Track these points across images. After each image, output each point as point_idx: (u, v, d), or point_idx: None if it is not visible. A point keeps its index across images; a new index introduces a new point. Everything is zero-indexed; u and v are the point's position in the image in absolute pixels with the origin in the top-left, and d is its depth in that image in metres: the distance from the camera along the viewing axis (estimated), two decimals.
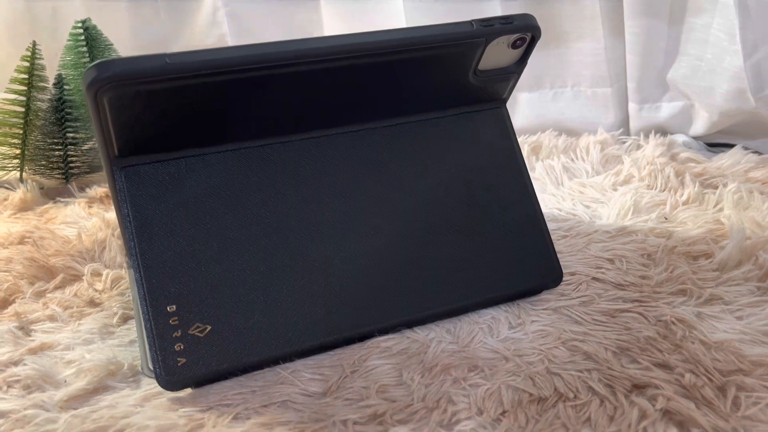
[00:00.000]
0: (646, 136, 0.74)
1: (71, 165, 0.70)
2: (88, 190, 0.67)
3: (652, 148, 0.69)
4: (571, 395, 0.34)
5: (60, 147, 0.69)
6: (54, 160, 0.70)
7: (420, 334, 0.40)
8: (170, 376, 0.35)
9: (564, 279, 0.45)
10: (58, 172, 0.70)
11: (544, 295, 0.44)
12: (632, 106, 0.76)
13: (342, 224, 0.40)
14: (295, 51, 0.35)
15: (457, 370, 0.36)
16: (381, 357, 0.38)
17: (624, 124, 0.78)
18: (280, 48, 0.34)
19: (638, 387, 0.34)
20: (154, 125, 0.37)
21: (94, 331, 0.41)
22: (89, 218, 0.59)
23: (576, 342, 0.39)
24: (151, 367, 0.36)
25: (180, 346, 0.36)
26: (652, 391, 0.34)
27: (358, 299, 0.39)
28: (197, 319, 0.36)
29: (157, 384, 0.35)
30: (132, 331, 0.42)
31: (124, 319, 0.43)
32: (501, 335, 0.40)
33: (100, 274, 0.49)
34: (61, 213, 0.62)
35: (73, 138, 0.69)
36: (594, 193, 0.62)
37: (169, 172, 0.38)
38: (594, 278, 0.46)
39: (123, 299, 0.46)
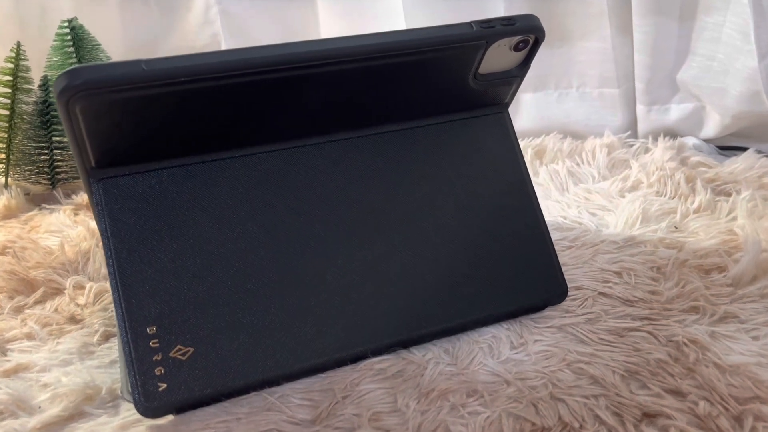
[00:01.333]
0: (655, 139, 0.72)
1: (58, 170, 0.69)
2: (74, 196, 0.65)
3: (661, 151, 0.67)
4: (577, 425, 0.32)
5: (46, 151, 0.67)
6: (40, 164, 0.68)
7: (416, 354, 0.38)
8: (150, 403, 0.33)
9: (569, 294, 0.43)
10: (45, 178, 0.68)
11: (548, 312, 0.42)
12: (640, 108, 0.74)
13: (333, 238, 0.38)
14: (279, 56, 0.33)
15: (455, 396, 0.35)
16: (374, 380, 0.36)
17: (632, 127, 0.76)
18: (263, 53, 0.33)
19: (648, 416, 0.32)
20: (133, 135, 0.35)
21: (73, 350, 0.40)
22: (74, 227, 0.57)
23: (581, 364, 0.37)
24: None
25: (160, 370, 0.34)
26: (663, 421, 0.32)
27: (350, 317, 0.37)
28: (179, 341, 0.34)
29: (135, 410, 0.33)
30: (114, 350, 0.41)
31: (106, 337, 0.42)
32: (502, 356, 0.38)
33: (83, 288, 0.47)
34: (45, 221, 0.60)
35: (59, 142, 0.67)
36: (600, 200, 0.60)
37: (150, 184, 0.36)
38: (601, 293, 0.44)
39: (106, 315, 0.44)
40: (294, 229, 0.38)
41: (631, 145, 0.72)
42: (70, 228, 0.57)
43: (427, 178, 0.41)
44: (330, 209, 0.39)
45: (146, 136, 0.35)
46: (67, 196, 0.66)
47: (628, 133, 0.75)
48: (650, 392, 0.34)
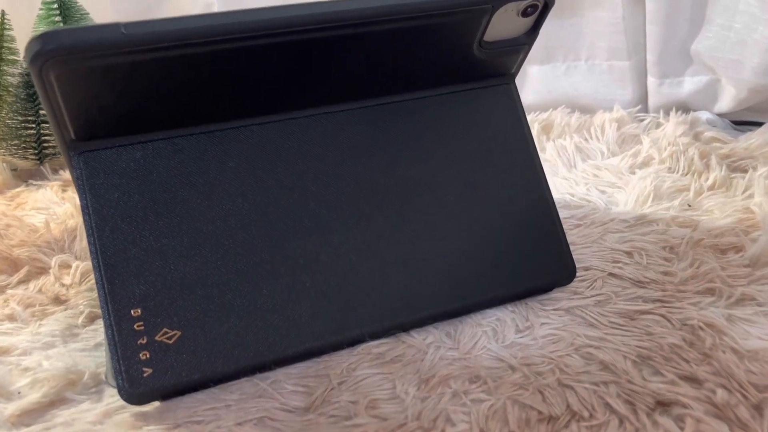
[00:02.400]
0: (667, 113, 0.70)
1: (45, 145, 0.67)
2: (62, 172, 0.64)
3: (673, 126, 0.65)
4: (586, 414, 0.30)
5: (33, 125, 0.65)
6: (27, 139, 0.66)
7: (417, 338, 0.37)
8: (134, 389, 0.32)
9: (577, 275, 0.41)
10: (32, 153, 0.67)
11: (556, 294, 0.41)
12: (652, 81, 0.72)
13: (329, 215, 0.37)
14: (271, 20, 0.31)
15: (457, 382, 0.33)
16: (372, 365, 0.35)
17: (642, 101, 0.74)
18: (254, 17, 0.31)
19: (663, 404, 0.31)
20: (114, 105, 0.33)
21: (56, 333, 0.38)
22: (62, 203, 0.55)
23: (591, 349, 0.35)
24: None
25: (146, 354, 0.32)
26: (678, 410, 0.30)
27: (346, 299, 0.36)
28: (165, 323, 0.33)
29: (119, 397, 0.32)
30: (99, 332, 0.39)
31: (91, 319, 0.40)
32: (507, 340, 0.37)
33: (68, 267, 0.46)
34: (32, 197, 0.58)
35: (45, 117, 0.65)
36: (610, 177, 0.58)
37: (134, 157, 0.34)
38: (611, 274, 0.42)
39: (92, 295, 0.43)
40: (287, 206, 0.36)
41: (642, 120, 0.70)
42: (57, 205, 0.55)
43: (429, 153, 0.39)
44: (325, 185, 0.37)
45: (129, 107, 0.33)
46: (55, 172, 0.64)
47: (639, 107, 0.73)
48: (664, 379, 0.32)
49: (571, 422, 0.30)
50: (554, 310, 0.39)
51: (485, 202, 0.40)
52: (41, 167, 0.65)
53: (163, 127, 0.35)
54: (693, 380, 0.32)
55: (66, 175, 0.63)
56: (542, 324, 0.38)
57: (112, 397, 0.33)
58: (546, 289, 0.41)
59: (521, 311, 0.39)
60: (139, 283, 0.33)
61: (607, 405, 0.31)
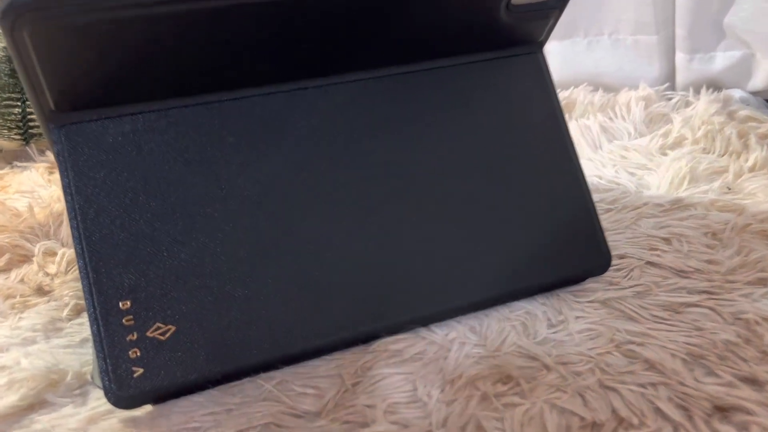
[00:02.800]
0: (697, 91, 0.67)
1: (31, 124, 0.63)
2: (49, 153, 0.60)
3: (704, 104, 0.61)
4: (635, 420, 0.27)
5: (18, 103, 0.62)
6: (11, 118, 0.63)
7: (438, 333, 0.34)
8: (123, 391, 0.29)
9: (612, 263, 0.38)
10: (17, 132, 0.63)
11: (589, 284, 0.38)
12: (681, 57, 0.68)
13: (341, 197, 0.33)
14: None
15: (486, 383, 0.30)
16: (390, 364, 0.31)
17: (669, 78, 0.70)
18: None
19: (721, 410, 0.28)
20: (99, 70, 0.29)
21: (38, 327, 0.35)
22: (48, 186, 0.52)
23: (633, 346, 0.32)
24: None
25: (136, 352, 0.29)
26: (740, 416, 0.27)
27: (360, 290, 0.33)
28: (158, 317, 0.30)
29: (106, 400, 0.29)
30: (86, 326, 0.36)
31: (77, 312, 0.37)
32: (539, 336, 0.33)
33: (54, 254, 0.43)
34: (16, 180, 0.55)
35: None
36: (639, 158, 0.54)
37: (122, 131, 0.31)
38: (649, 262, 0.39)
39: (79, 285, 0.39)
40: (294, 188, 0.33)
41: (670, 99, 0.67)
42: (43, 188, 0.52)
43: (450, 129, 0.36)
44: (337, 164, 0.34)
45: (116, 72, 0.30)
46: (42, 153, 0.61)
47: (666, 85, 0.69)
48: (720, 380, 0.29)
49: (618, 430, 0.27)
50: (589, 302, 0.36)
51: (512, 183, 0.36)
52: (27, 148, 0.62)
53: (156, 98, 0.32)
54: (753, 382, 0.29)
55: (53, 156, 0.59)
56: (577, 318, 0.34)
57: (98, 400, 0.30)
58: (579, 279, 0.38)
59: (553, 303, 0.36)
60: (128, 272, 0.30)
61: (658, 410, 0.28)
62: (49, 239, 0.44)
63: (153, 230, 0.30)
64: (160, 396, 0.30)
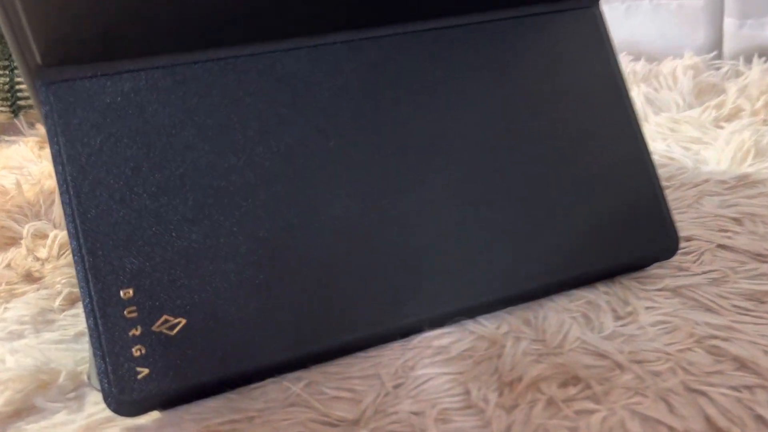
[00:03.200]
0: (747, 60, 0.62)
1: (20, 95, 0.59)
2: (39, 126, 0.56)
3: (758, 74, 0.57)
4: (736, 430, 0.23)
5: (5, 72, 0.58)
6: None
7: (487, 326, 0.30)
8: (126, 395, 0.25)
9: (679, 247, 0.34)
10: (5, 104, 0.59)
11: (655, 270, 0.34)
12: (730, 23, 0.64)
13: (373, 170, 0.29)
14: None
15: (551, 385, 0.26)
16: (436, 363, 0.28)
17: (716, 46, 0.66)
18: None
19: None
20: (93, 19, 0.25)
21: (26, 319, 0.31)
22: (38, 162, 0.48)
23: (717, 341, 0.28)
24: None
25: (140, 349, 0.25)
26: None
27: (398, 277, 0.29)
28: (166, 309, 0.26)
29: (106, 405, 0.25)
30: (81, 318, 0.32)
31: (72, 301, 0.33)
32: (605, 329, 0.29)
33: (44, 237, 0.39)
34: (3, 155, 0.51)
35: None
36: (692, 131, 0.50)
37: (122, 90, 0.27)
38: (720, 245, 0.35)
39: (72, 271, 0.36)
40: (320, 157, 0.29)
41: (719, 68, 0.62)
42: (33, 163, 0.48)
43: (494, 93, 0.32)
44: (369, 132, 0.30)
45: (114, 22, 0.26)
46: (32, 125, 0.57)
47: (714, 53, 0.65)
48: None
49: None
50: (658, 290, 0.32)
51: (568, 155, 0.32)
52: (15, 120, 0.58)
53: (161, 52, 0.28)
54: None
55: (44, 129, 0.55)
56: (647, 308, 0.31)
57: (96, 405, 0.26)
58: (643, 264, 0.34)
59: (616, 292, 0.32)
60: (129, 254, 0.26)
61: (760, 418, 0.24)
62: (39, 220, 0.40)
63: (159, 206, 0.27)
64: (169, 401, 0.26)
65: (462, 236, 0.30)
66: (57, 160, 0.26)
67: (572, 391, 0.26)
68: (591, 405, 0.25)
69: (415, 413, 0.25)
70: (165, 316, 0.26)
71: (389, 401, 0.26)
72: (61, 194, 0.26)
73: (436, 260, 0.29)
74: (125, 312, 0.25)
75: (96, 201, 0.26)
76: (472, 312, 0.30)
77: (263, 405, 0.26)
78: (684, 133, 0.50)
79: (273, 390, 0.26)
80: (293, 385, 0.26)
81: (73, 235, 0.26)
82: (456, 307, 0.30)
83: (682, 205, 0.40)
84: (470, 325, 0.30)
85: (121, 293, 0.25)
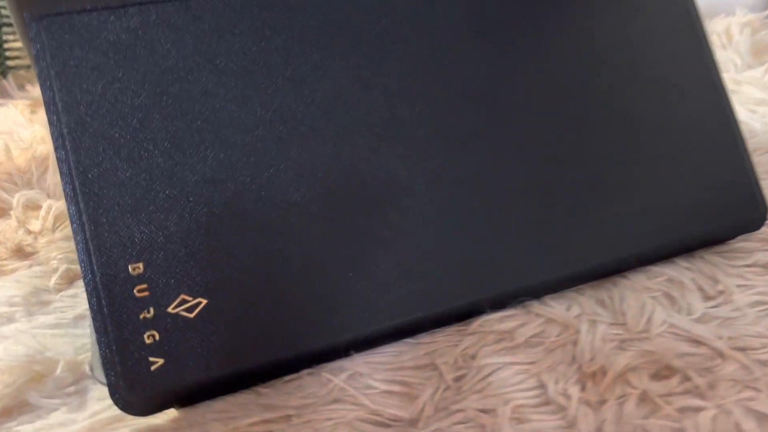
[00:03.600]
0: None
1: (9, 54, 0.55)
2: (30, 87, 0.52)
3: None
4: None
5: None
6: None
7: (556, 308, 0.26)
8: (136, 390, 0.21)
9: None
10: None
11: (740, 243, 0.30)
12: None
13: (424, 126, 0.25)
14: None
15: (642, 377, 0.22)
16: (500, 351, 0.24)
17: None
18: None
19: None
20: None
21: (17, 300, 0.28)
22: (29, 126, 0.44)
23: None
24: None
25: (153, 335, 0.21)
26: None
27: (452, 251, 0.25)
28: (183, 287, 0.22)
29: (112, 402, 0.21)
30: (80, 298, 0.28)
31: (69, 279, 0.30)
32: (695, 311, 0.26)
33: (38, 207, 0.35)
34: None
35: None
36: (755, 92, 0.46)
37: (128, 26, 0.23)
38: None
39: (70, 246, 0.32)
40: (361, 110, 0.25)
41: None
42: (24, 127, 0.44)
43: (567, 37, 0.28)
44: (418, 79, 0.26)
45: None
46: (22, 87, 0.53)
47: (767, 12, 0.60)
48: None
49: None
50: (747, 266, 0.28)
51: (642, 112, 0.28)
52: (4, 82, 0.54)
53: None
54: None
55: (36, 91, 0.51)
56: (739, 287, 0.27)
57: (100, 401, 0.22)
58: (727, 236, 0.30)
59: (701, 268, 0.28)
60: (138, 222, 0.22)
61: None
62: (31, 188, 0.36)
63: (173, 164, 0.23)
64: (188, 396, 0.22)
65: (526, 203, 0.26)
66: (50, 109, 0.22)
67: (671, 384, 0.22)
68: (695, 401, 0.21)
69: (484, 411, 0.21)
70: (182, 296, 0.22)
71: (450, 396, 0.22)
72: (57, 151, 0.22)
73: (497, 231, 0.25)
74: (135, 291, 0.22)
75: (98, 158, 0.22)
76: (537, 291, 0.27)
77: (301, 401, 0.22)
78: (747, 95, 0.46)
79: (311, 383, 0.23)
80: (334, 377, 0.23)
81: (72, 198, 0.22)
82: (519, 286, 0.26)
83: (760, 171, 0.36)
84: (535, 306, 0.26)
85: (130, 268, 0.22)
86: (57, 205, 0.35)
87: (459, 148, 0.26)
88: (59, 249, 0.32)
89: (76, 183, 0.22)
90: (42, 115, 0.48)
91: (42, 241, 0.32)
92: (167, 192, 0.22)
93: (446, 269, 0.25)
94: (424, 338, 0.25)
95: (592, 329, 0.25)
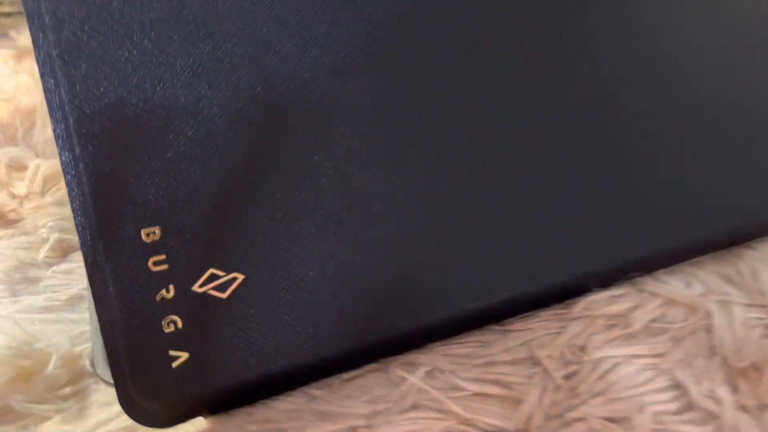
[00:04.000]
0: None
1: None
2: (15, 34, 0.47)
3: None
4: None
5: None
6: None
7: (674, 285, 0.21)
8: (154, 394, 0.16)
9: None
10: None
11: None
12: None
13: (535, 82, 0.20)
14: None
15: None
16: (615, 340, 0.19)
17: None
18: None
19: None
20: None
21: None
22: (13, 76, 0.39)
23: None
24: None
25: (173, 322, 0.17)
26: None
27: (551, 219, 0.20)
28: (214, 258, 0.17)
29: (122, 409, 0.16)
30: (77, 274, 0.23)
31: (63, 252, 0.25)
32: None
33: (23, 168, 0.30)
34: None
35: None
36: None
37: None
38: None
39: (62, 212, 0.27)
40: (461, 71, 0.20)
41: None
42: (6, 78, 0.39)
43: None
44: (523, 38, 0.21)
45: None
46: (5, 36, 0.48)
47: None
48: None
49: None
50: None
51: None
52: None
53: None
54: None
55: (22, 39, 0.46)
56: None
57: (105, 407, 0.18)
58: None
59: None
60: (153, 172, 0.17)
61: None
62: (16, 145, 0.31)
63: (196, 99, 0.18)
64: (221, 401, 0.17)
65: (631, 167, 0.21)
66: (35, 24, 0.17)
67: None
68: None
69: (613, 420, 0.16)
70: (212, 270, 0.17)
71: (564, 400, 0.17)
72: (44, 79, 0.17)
73: (603, 199, 0.21)
74: (149, 263, 0.17)
75: (98, 89, 0.17)
76: (650, 265, 0.22)
77: (368, 407, 0.17)
78: None
79: (377, 382, 0.18)
80: (408, 373, 0.18)
81: (64, 141, 0.17)
82: (629, 258, 0.21)
83: None
84: (648, 283, 0.21)
85: (143, 234, 0.17)
86: (46, 165, 0.30)
87: (573, 109, 0.21)
88: (49, 215, 0.27)
89: (70, 121, 0.17)
90: (28, 64, 0.42)
91: (28, 206, 0.27)
92: (190, 134, 0.17)
93: (541, 241, 0.20)
94: (513, 324, 0.20)
95: (726, 312, 0.20)
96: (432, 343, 0.19)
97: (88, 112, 0.17)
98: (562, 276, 0.20)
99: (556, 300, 0.20)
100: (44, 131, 0.33)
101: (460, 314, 0.19)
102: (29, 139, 0.32)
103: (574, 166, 0.20)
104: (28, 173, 0.29)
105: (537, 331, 0.20)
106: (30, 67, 0.41)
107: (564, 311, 0.20)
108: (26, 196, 0.28)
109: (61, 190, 0.28)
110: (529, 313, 0.20)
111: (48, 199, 0.28)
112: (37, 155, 0.31)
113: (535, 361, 0.19)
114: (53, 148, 0.32)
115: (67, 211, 0.27)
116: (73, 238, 0.25)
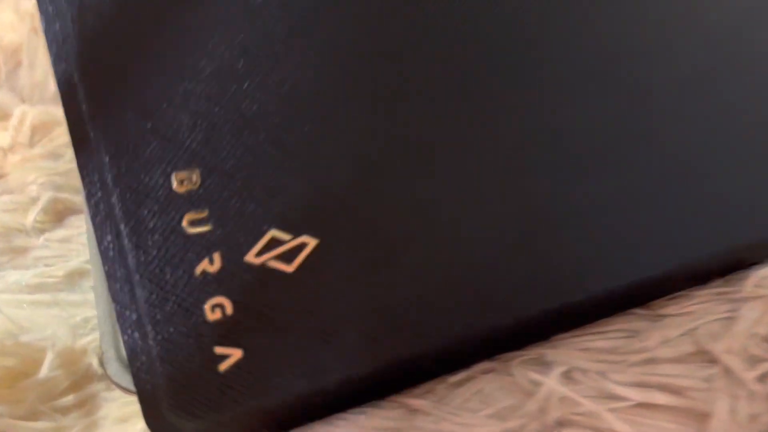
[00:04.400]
0: None
1: None
2: None
3: None
4: None
5: None
6: None
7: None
8: (193, 407, 0.12)
9: None
10: None
11: None
12: None
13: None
14: None
15: None
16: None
17: None
18: None
19: None
20: None
21: None
22: None
23: None
24: (127, 373, 0.12)
25: (220, 305, 0.12)
26: None
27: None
28: (273, 217, 0.12)
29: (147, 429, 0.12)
30: (75, 244, 0.19)
31: (58, 215, 0.21)
32: None
33: (7, 116, 0.26)
34: None
35: None
36: None
37: None
38: None
39: (57, 167, 0.23)
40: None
41: None
42: None
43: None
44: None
45: None
46: None
47: None
48: None
49: None
50: None
51: None
52: None
53: None
54: None
55: None
56: None
57: (121, 424, 0.13)
58: None
59: None
60: (187, 95, 0.12)
61: None
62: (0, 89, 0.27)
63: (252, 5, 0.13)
64: (289, 416, 0.13)
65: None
66: None
67: None
68: None
69: None
70: (273, 232, 0.12)
71: (764, 413, 0.13)
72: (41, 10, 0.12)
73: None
74: (184, 223, 0.12)
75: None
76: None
77: (496, 426, 0.12)
78: None
79: (498, 387, 0.13)
80: (540, 374, 0.13)
81: (57, 58, 0.12)
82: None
83: None
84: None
85: (174, 181, 0.12)
86: (35, 113, 0.25)
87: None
88: (40, 170, 0.22)
89: (70, 17, 0.12)
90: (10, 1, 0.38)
91: (14, 158, 0.23)
92: (239, 39, 0.13)
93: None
94: (666, 308, 0.15)
95: None
96: (559, 333, 0.15)
97: (89, 24, 0.12)
98: (726, 244, 0.15)
99: (719, 273, 0.16)
100: (31, 73, 0.28)
101: (603, 297, 0.14)
102: (14, 82, 0.28)
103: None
104: (13, 121, 0.25)
105: (699, 316, 0.15)
106: (12, 3, 0.36)
107: (728, 289, 0.16)
108: (11, 148, 0.24)
109: (54, 141, 0.24)
110: (681, 293, 0.16)
111: (38, 150, 0.23)
112: (23, 101, 0.27)
113: (710, 358, 0.14)
114: (42, 93, 0.27)
115: (63, 165, 0.22)
116: (71, 198, 0.21)
